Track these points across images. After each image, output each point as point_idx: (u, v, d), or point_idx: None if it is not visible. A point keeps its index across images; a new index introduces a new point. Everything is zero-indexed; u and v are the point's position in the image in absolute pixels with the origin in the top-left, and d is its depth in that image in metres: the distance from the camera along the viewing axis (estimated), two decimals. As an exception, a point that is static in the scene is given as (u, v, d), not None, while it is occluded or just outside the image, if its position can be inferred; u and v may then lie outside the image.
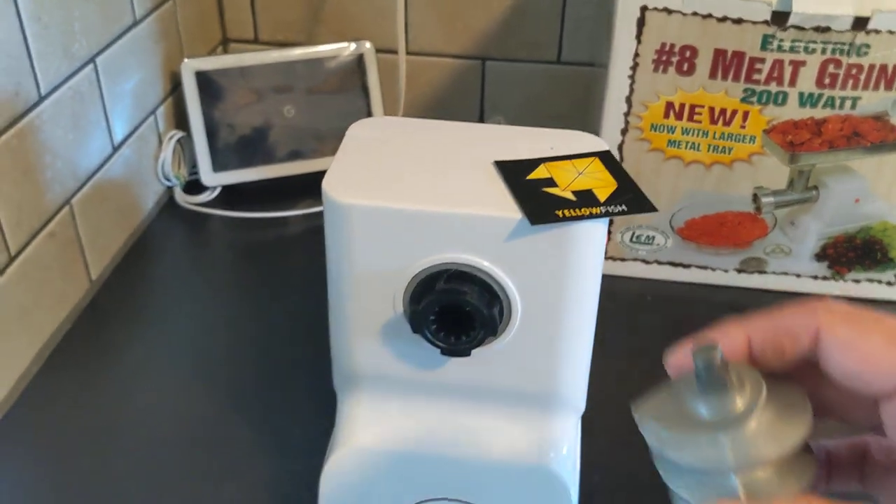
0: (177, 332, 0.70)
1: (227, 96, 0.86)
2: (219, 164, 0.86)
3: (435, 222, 0.41)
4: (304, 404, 0.62)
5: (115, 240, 0.77)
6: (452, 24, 0.96)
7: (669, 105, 0.67)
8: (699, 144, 0.69)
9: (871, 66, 0.63)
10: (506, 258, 0.42)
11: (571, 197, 0.42)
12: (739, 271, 0.75)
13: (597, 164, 0.45)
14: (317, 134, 0.88)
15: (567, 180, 0.43)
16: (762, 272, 0.75)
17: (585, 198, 0.42)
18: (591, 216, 0.41)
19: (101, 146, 0.73)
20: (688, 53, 0.65)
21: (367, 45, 0.89)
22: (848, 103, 0.65)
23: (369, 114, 0.89)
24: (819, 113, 0.66)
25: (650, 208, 0.42)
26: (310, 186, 0.89)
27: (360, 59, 0.89)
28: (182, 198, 0.86)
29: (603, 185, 0.43)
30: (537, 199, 0.42)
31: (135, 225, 0.81)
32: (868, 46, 0.62)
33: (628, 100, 0.67)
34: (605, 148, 0.47)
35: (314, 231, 0.84)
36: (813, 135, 0.67)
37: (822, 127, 0.66)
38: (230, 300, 0.75)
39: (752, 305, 0.74)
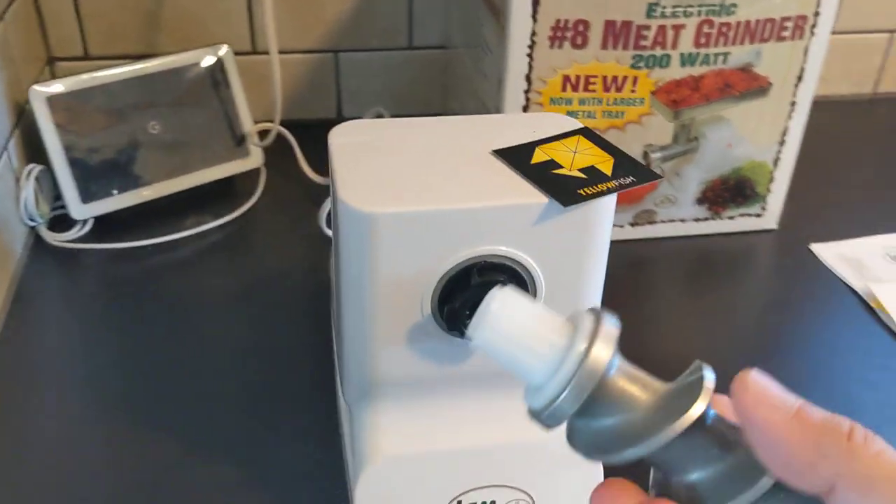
0: (86, 380, 0.64)
1: (84, 119, 0.79)
2: (87, 195, 0.79)
3: (465, 219, 0.42)
4: (235, 434, 0.60)
5: (-5, 293, 0.69)
6: (302, 18, 0.94)
7: (566, 78, 0.71)
8: (595, 112, 0.73)
9: (738, 23, 0.70)
10: (532, 242, 0.43)
11: (582, 175, 0.44)
12: (633, 224, 0.81)
13: (584, 141, 0.47)
14: (187, 148, 0.84)
15: (568, 160, 0.45)
16: (652, 222, 0.81)
17: (595, 174, 0.44)
18: (610, 191, 0.43)
19: (-32, 192, 0.65)
20: (581, 27, 0.68)
21: (225, 48, 0.85)
22: (720, 58, 0.72)
23: (235, 121, 0.86)
24: (697, 70, 0.72)
25: (654, 176, 0.45)
26: (191, 203, 0.85)
27: (220, 65, 0.85)
28: (51, 237, 0.78)
29: (601, 159, 0.45)
30: (554, 182, 0.43)
31: (10, 275, 0.73)
32: (735, 6, 0.69)
33: (527, 77, 0.70)
34: (581, 125, 0.49)
35: (206, 250, 0.80)
36: (692, 91, 0.73)
37: (700, 83, 0.73)
38: (132, 337, 0.69)
39: (647, 254, 0.81)
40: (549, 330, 0.30)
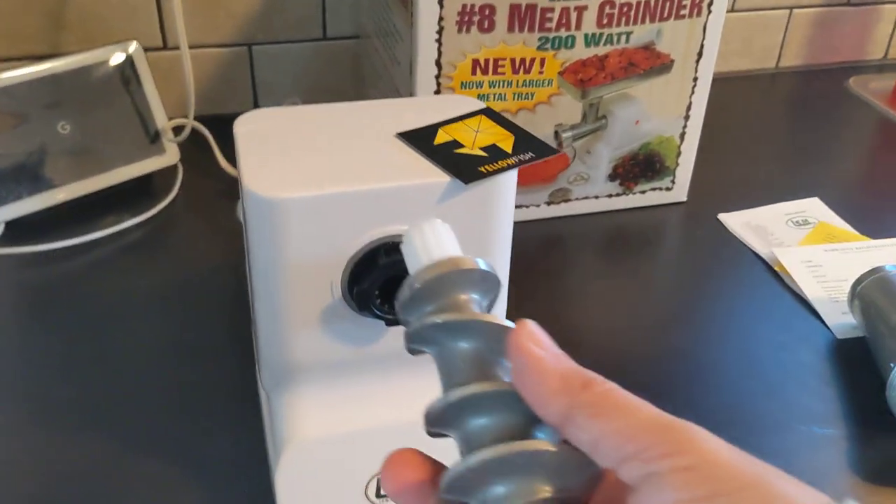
0: (13, 390, 0.63)
1: (-10, 123, 0.77)
2: (-4, 199, 0.78)
3: (370, 200, 0.42)
4: (161, 431, 0.60)
5: None
6: (213, 12, 0.93)
7: (475, 62, 0.72)
8: (505, 94, 0.74)
9: (639, 3, 0.72)
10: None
11: (483, 154, 0.45)
12: (549, 203, 0.83)
13: (485, 120, 0.48)
14: (100, 147, 0.82)
15: (470, 139, 0.46)
16: (567, 200, 0.83)
17: (495, 152, 0.45)
18: (510, 167, 0.44)
19: None
20: (487, 12, 0.69)
21: (134, 45, 0.84)
22: (623, 38, 0.74)
23: (148, 118, 0.85)
24: (601, 50, 0.74)
25: (552, 151, 0.46)
26: (108, 203, 0.84)
27: (129, 62, 0.84)
28: (-39, 243, 0.77)
29: (502, 138, 0.47)
30: (456, 161, 0.44)
31: (-82, 283, 0.71)
32: (633, -14, 0.71)
33: (437, 62, 0.71)
34: (483, 105, 0.50)
35: (125, 249, 0.79)
36: (598, 70, 0.75)
37: (605, 62, 0.75)
38: (55, 343, 0.68)
39: (563, 231, 0.83)
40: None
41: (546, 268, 0.78)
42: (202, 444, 0.59)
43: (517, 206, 0.82)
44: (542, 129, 0.77)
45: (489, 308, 0.33)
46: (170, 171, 0.87)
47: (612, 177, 0.83)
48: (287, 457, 0.48)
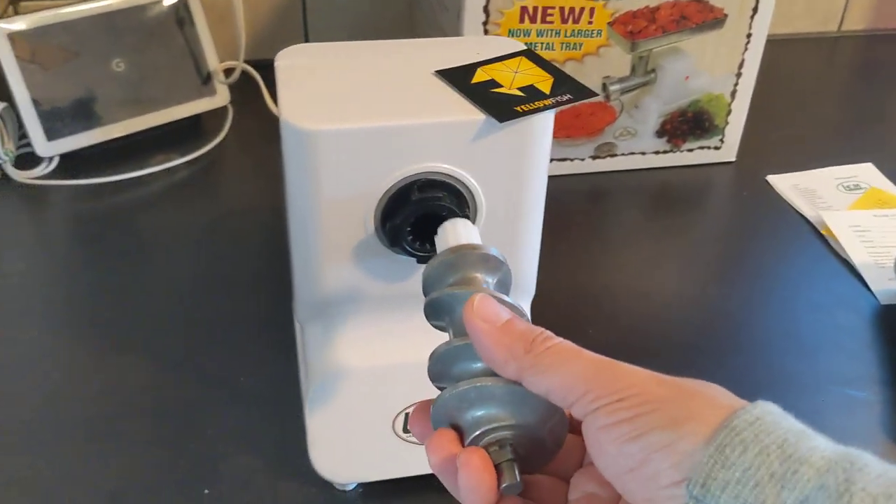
0: (61, 313, 0.66)
1: (48, 57, 0.79)
2: (52, 132, 0.80)
3: (404, 136, 0.43)
4: (201, 358, 0.62)
5: (-39, 228, 0.70)
6: (267, -44, 0.94)
7: (524, 9, 0.71)
8: (553, 44, 0.74)
9: (693, -46, 0.71)
10: (471, 160, 0.44)
11: (520, 94, 0.45)
12: (594, 158, 0.82)
13: (525, 61, 0.48)
14: (153, 85, 0.84)
15: (508, 80, 0.46)
16: (613, 155, 0.83)
17: (533, 93, 0.45)
18: (546, 108, 0.44)
19: (-70, 127, 0.66)
20: (537, -42, 0.69)
21: (188, -14, 0.85)
22: (676, -11, 0.73)
23: (200, 59, 0.86)
24: (653, 2, 0.73)
25: (591, 94, 0.46)
26: (159, 141, 0.86)
27: (184, 3, 0.85)
28: (17, 174, 0.79)
29: (541, 79, 0.46)
30: (492, 100, 0.44)
31: (-24, 210, 0.74)
32: (689, -65, 0.70)
33: (485, 9, 0.71)
34: (525, 47, 0.50)
35: (173, 187, 0.81)
36: (648, 22, 0.74)
37: (656, 14, 0.74)
38: (103, 271, 0.70)
39: (607, 187, 0.83)
40: None
41: (587, 222, 0.78)
42: (237, 372, 0.60)
43: (561, 160, 0.82)
44: (589, 81, 0.75)
45: (501, 284, 0.39)
46: (219, 113, 0.89)
47: (660, 133, 0.82)
48: (318, 387, 0.49)
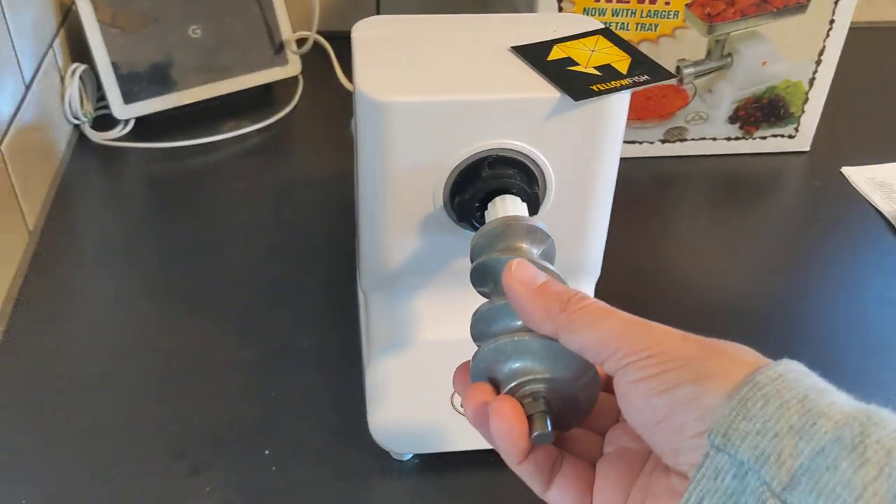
0: (130, 271, 0.68)
1: (128, 21, 0.81)
2: (129, 95, 0.82)
3: (477, 111, 0.43)
4: (264, 321, 0.63)
5: (41, 186, 0.73)
6: (343, -73, 0.94)
7: (600, -12, 0.70)
8: (628, 24, 0.72)
9: (779, -65, 0.69)
10: (544, 137, 0.44)
11: (596, 73, 0.45)
12: (663, 141, 0.81)
13: (602, 40, 0.48)
14: (227, 53, 0.85)
15: (584, 58, 0.46)
16: (683, 140, 0.81)
17: (609, 72, 0.45)
18: (623, 87, 0.43)
19: (15, 86, 0.68)
20: (616, -65, 0.68)
21: (265, -45, 0.86)
22: (758, -28, 0.71)
23: (274, 28, 0.87)
24: (734, -17, 0.71)
25: (669, 76, 0.45)
26: (230, 108, 0.87)
27: (260, -29, 0.86)
28: (95, 135, 0.81)
29: (618, 59, 0.46)
30: (568, 78, 0.44)
31: (55, 168, 0.76)
32: (776, -84, 0.68)
33: (561, -14, 0.70)
34: (602, 25, 0.49)
35: (243, 154, 0.82)
36: (727, 5, 0.72)
37: (736, -4, 0.72)
38: (172, 231, 0.72)
39: (676, 171, 0.82)
40: None
41: (654, 206, 0.77)
42: (299, 336, 0.61)
43: (630, 142, 0.81)
44: (662, 63, 0.74)
45: (545, 256, 0.40)
46: (291, 83, 0.90)
47: (733, 119, 0.80)
48: (379, 357, 0.50)
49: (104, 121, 0.83)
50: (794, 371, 0.29)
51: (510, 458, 0.34)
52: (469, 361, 0.38)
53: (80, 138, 0.82)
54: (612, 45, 0.47)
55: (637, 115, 0.79)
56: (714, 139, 0.81)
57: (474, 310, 0.38)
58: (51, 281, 0.66)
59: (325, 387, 0.58)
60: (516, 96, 0.43)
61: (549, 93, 0.43)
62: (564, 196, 0.46)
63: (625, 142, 0.80)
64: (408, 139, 0.43)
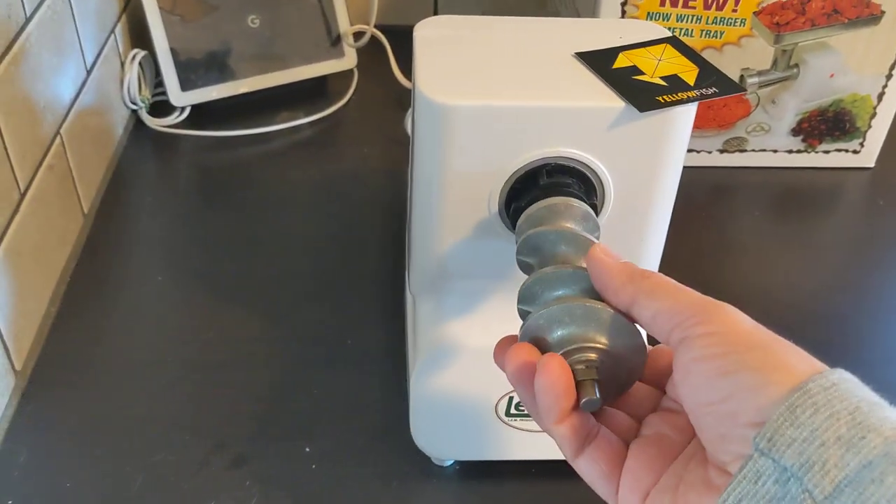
0: (179, 258, 0.68)
1: (189, 8, 0.81)
2: (186, 83, 0.82)
3: (539, 117, 0.42)
4: (309, 315, 0.63)
5: (97, 169, 0.73)
6: (405, -79, 0.93)
7: (666, -8, 0.69)
8: (692, 30, 0.71)
9: (855, -56, 0.67)
10: (605, 148, 0.43)
11: (663, 83, 0.43)
12: (722, 151, 0.79)
13: (670, 49, 0.46)
14: (284, 44, 0.85)
15: (651, 67, 0.45)
16: (743, 151, 0.79)
17: (676, 83, 0.43)
18: (690, 100, 0.42)
19: (76, 71, 0.69)
20: (686, -61, 0.66)
21: (326, -53, 0.86)
22: (832, -19, 0.69)
23: (332, 21, 0.87)
24: (805, -8, 0.69)
25: (738, 89, 0.44)
26: (285, 99, 0.87)
27: (320, -37, 0.85)
28: (151, 121, 0.82)
29: (685, 69, 0.45)
30: (633, 88, 0.43)
31: (111, 153, 0.77)
32: (853, -75, 0.66)
33: (625, -11, 0.69)
34: (670, 34, 0.48)
35: (296, 145, 0.82)
36: (797, 14, 0.70)
37: (806, 6, 0.70)
38: (222, 220, 0.72)
39: (734, 182, 0.80)
40: None
41: (710, 217, 0.76)
42: (344, 334, 0.61)
43: (688, 151, 0.79)
44: (726, 72, 0.72)
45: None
46: (346, 76, 0.89)
47: (796, 131, 0.78)
48: (425, 361, 0.49)
49: (161, 107, 0.83)
50: (847, 381, 0.28)
51: (550, 415, 0.34)
52: (509, 336, 0.39)
53: (137, 123, 0.82)
54: (679, 54, 0.46)
55: (696, 123, 0.77)
56: (775, 151, 0.79)
57: (535, 272, 0.38)
58: (102, 265, 0.66)
59: (368, 386, 0.57)
60: (579, 105, 0.42)
61: (613, 102, 0.42)
62: (623, 208, 0.45)
63: (682, 150, 0.79)
64: (466, 143, 0.43)
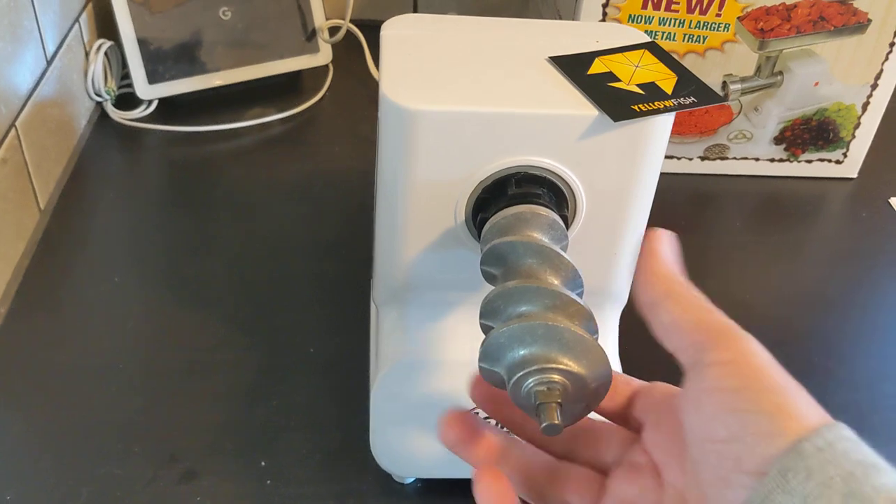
0: (139, 257, 0.66)
1: (156, -1, 0.78)
2: (153, 75, 0.79)
3: (508, 124, 0.40)
4: (274, 319, 0.61)
5: (56, 164, 0.71)
6: (385, -86, 0.91)
7: (649, -6, 0.67)
8: (675, 34, 0.69)
9: (843, -50, 0.65)
10: (577, 157, 0.41)
11: (639, 91, 0.41)
12: (703, 158, 0.78)
13: (648, 55, 0.44)
14: (256, 38, 0.83)
15: (627, 74, 0.43)
16: (724, 158, 0.78)
17: (653, 91, 0.41)
18: (666, 109, 0.40)
19: (35, 60, 0.66)
20: (670, -60, 0.64)
21: (302, -62, 0.83)
22: (818, -12, 0.67)
23: (307, 14, 0.84)
24: (791, -2, 0.67)
25: (718, 99, 0.42)
26: (255, 94, 0.84)
27: (296, -46, 0.83)
28: (116, 114, 0.79)
29: (663, 77, 0.43)
30: (608, 95, 0.41)
31: (72, 146, 0.74)
32: (841, -70, 0.64)
33: (607, -10, 0.66)
34: (649, 39, 0.46)
35: (266, 142, 0.80)
36: (783, 20, 0.68)
37: (792, 12, 0.68)
38: (187, 219, 0.70)
39: (715, 190, 0.78)
40: None
41: (688, 226, 0.74)
42: (308, 341, 0.59)
43: (668, 157, 0.78)
44: (708, 78, 0.71)
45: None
46: (320, 71, 0.87)
47: (778, 140, 0.76)
48: (387, 374, 0.47)
49: (128, 100, 0.81)
50: (844, 440, 0.26)
51: None
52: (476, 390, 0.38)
53: (102, 116, 0.79)
54: (657, 61, 0.44)
55: (677, 129, 0.75)
56: (757, 159, 0.78)
57: (499, 286, 0.37)
58: (57, 263, 0.64)
59: (330, 398, 0.55)
60: (551, 112, 0.40)
61: (586, 110, 0.40)
62: (596, 219, 0.43)
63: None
64: (432, 150, 0.40)
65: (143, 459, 0.50)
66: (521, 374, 0.33)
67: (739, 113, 0.74)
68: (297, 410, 0.54)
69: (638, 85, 0.42)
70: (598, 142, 0.40)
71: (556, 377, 0.33)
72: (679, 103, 0.41)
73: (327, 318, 0.61)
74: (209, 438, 0.52)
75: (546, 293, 0.35)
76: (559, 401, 0.33)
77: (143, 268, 0.65)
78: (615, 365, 0.48)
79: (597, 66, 0.43)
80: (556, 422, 0.32)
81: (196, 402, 0.54)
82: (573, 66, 0.43)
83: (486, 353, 0.35)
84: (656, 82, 0.42)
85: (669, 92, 0.42)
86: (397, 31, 0.45)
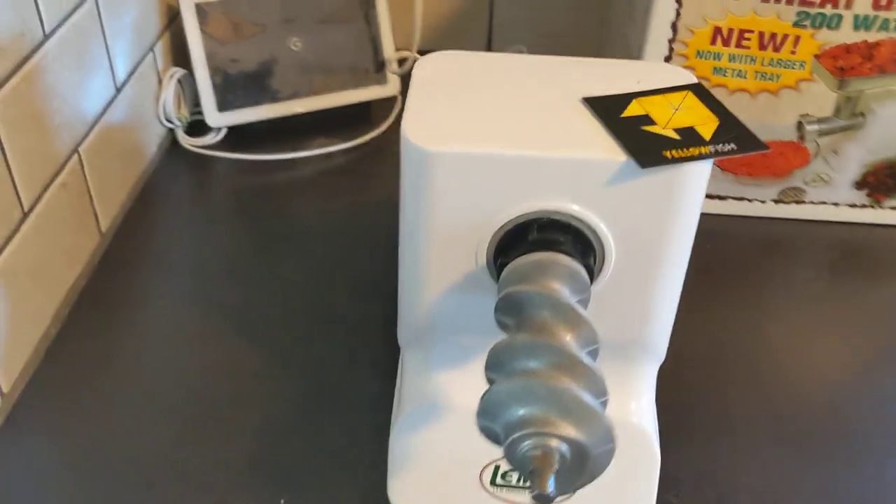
0: (194, 283, 0.66)
1: (229, 29, 0.80)
2: (224, 104, 0.81)
3: (530, 168, 0.38)
4: (314, 352, 0.60)
5: (121, 188, 0.73)
6: (460, -54, 0.91)
7: (717, 30, 0.64)
8: (745, 72, 0.65)
9: (931, -15, 0.61)
10: (603, 204, 0.39)
11: (675, 136, 0.39)
12: (777, 202, 0.73)
13: (691, 98, 0.42)
14: (326, 68, 0.83)
15: (665, 117, 0.40)
16: (800, 202, 0.73)
17: (690, 136, 0.39)
18: (701, 157, 0.38)
19: (104, 87, 0.68)
20: (740, -26, 0.61)
21: (375, -30, 0.83)
22: (904, 25, 0.62)
23: (377, 45, 0.84)
24: (872, 36, 0.63)
25: (761, 146, 0.39)
26: (321, 124, 0.85)
27: (367, -14, 0.83)
28: (186, 140, 0.81)
29: (703, 121, 0.40)
30: (640, 139, 0.38)
31: (139, 171, 0.76)
32: (929, -36, 0.59)
33: (673, 25, 0.64)
34: (695, 80, 0.43)
35: (329, 172, 0.80)
36: (864, 59, 0.64)
37: (874, 51, 0.64)
38: (245, 247, 0.70)
39: (788, 236, 0.74)
40: None
41: (758, 271, 0.70)
42: (345, 379, 0.58)
43: (738, 199, 0.74)
44: (783, 118, 0.67)
45: (583, 304, 0.37)
46: (387, 103, 0.87)
47: (860, 185, 0.72)
48: (408, 416, 0.46)
49: (200, 127, 0.82)
50: None
51: None
52: None
53: (173, 143, 0.81)
54: (700, 103, 0.41)
55: (749, 170, 0.72)
56: (836, 204, 0.73)
57: (506, 338, 0.35)
58: (113, 287, 0.65)
59: (359, 438, 0.54)
60: (575, 156, 0.38)
61: (613, 155, 0.38)
62: (626, 271, 0.41)
63: (733, 198, 0.73)
64: (450, 192, 0.39)
65: (168, 491, 0.50)
66: (516, 435, 0.32)
67: (817, 155, 0.70)
68: (324, 449, 0.53)
69: (675, 129, 0.39)
70: (627, 188, 0.38)
71: (554, 442, 0.31)
72: (717, 150, 0.38)
73: (370, 355, 0.60)
74: (237, 470, 0.52)
75: (554, 350, 0.33)
76: (554, 467, 0.31)
77: (196, 293, 0.65)
78: (650, 426, 0.45)
79: (633, 109, 0.41)
80: (547, 492, 0.30)
81: (230, 433, 0.54)
82: (607, 108, 0.41)
83: (485, 409, 0.34)
84: (695, 126, 0.40)
85: (708, 137, 0.39)
86: (429, 69, 0.44)
